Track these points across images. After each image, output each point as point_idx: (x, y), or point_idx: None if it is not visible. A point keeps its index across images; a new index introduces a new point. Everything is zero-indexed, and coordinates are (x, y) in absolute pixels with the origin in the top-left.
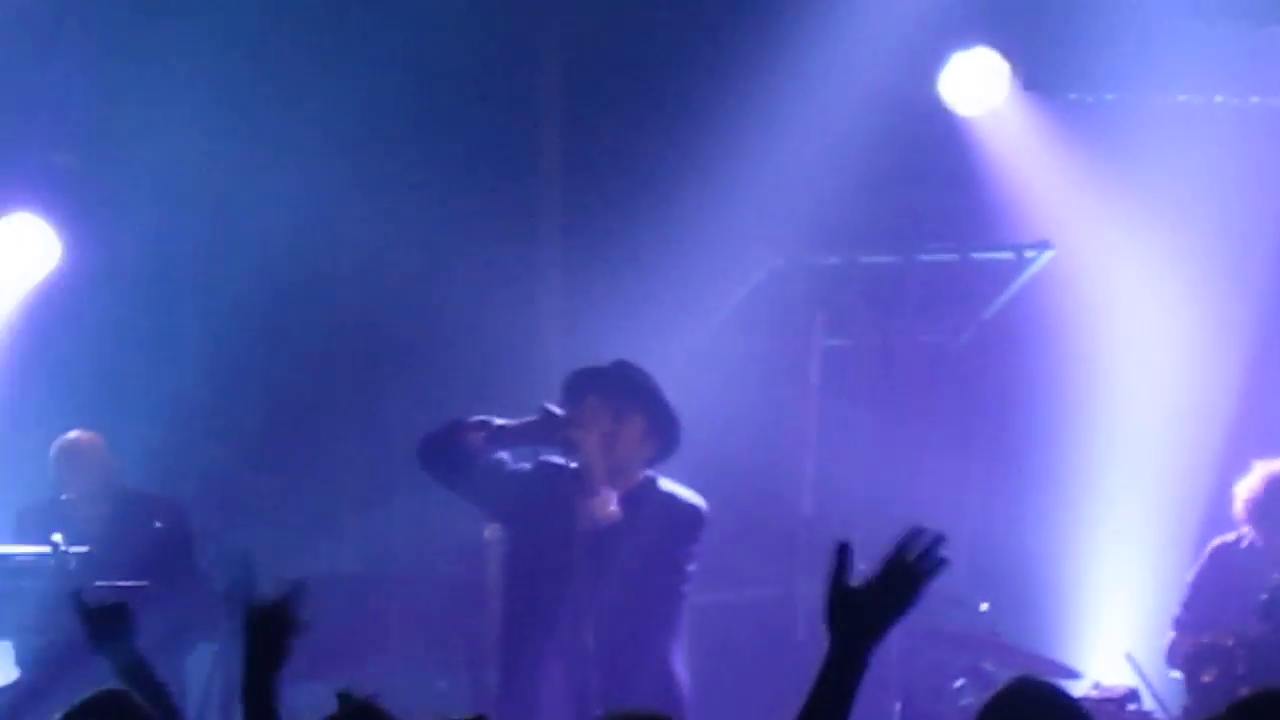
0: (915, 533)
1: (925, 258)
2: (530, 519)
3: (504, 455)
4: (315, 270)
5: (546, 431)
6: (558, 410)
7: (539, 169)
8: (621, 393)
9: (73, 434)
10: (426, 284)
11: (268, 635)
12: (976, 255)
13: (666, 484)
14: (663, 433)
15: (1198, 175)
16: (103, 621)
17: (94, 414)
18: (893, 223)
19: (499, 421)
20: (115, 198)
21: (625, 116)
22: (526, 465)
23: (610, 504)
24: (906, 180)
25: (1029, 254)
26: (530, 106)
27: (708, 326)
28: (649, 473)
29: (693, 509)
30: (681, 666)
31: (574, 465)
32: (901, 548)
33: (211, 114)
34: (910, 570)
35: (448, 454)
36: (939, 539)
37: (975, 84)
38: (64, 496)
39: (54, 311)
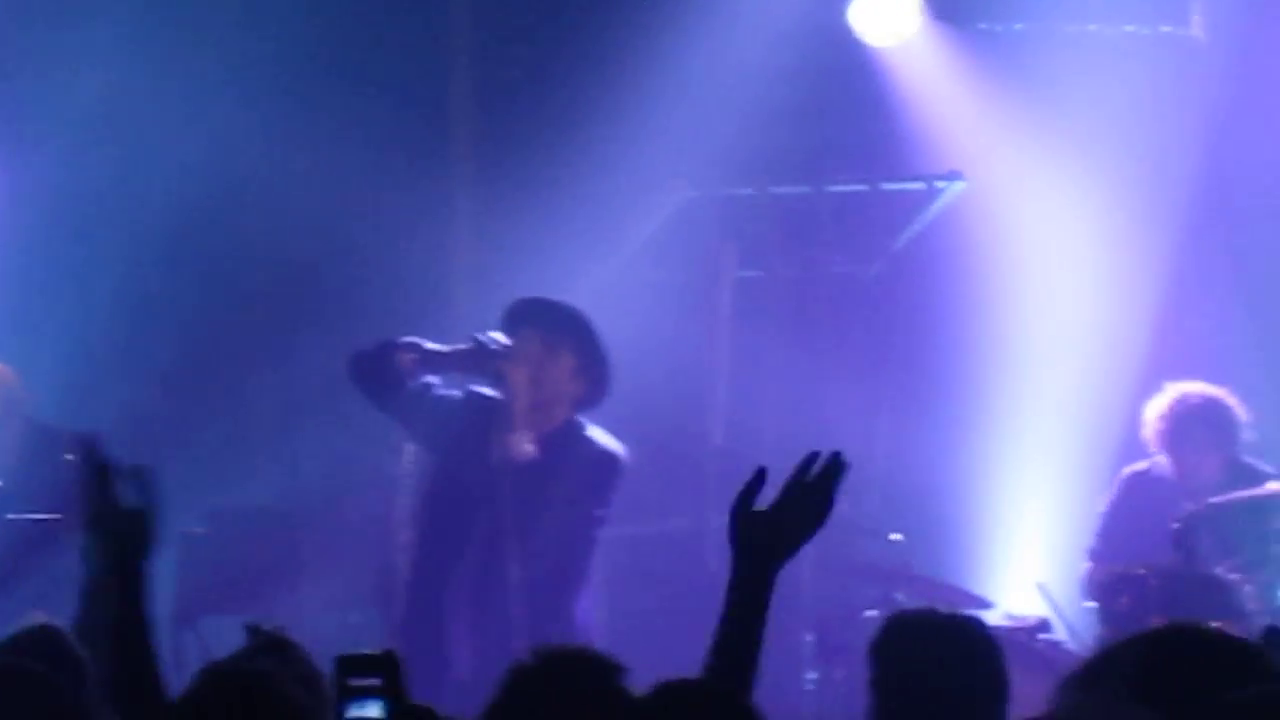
0: (812, 456)
1: (836, 189)
2: (450, 448)
3: (434, 380)
4: (227, 202)
5: (476, 360)
6: (489, 341)
7: (449, 101)
8: (557, 328)
9: None
10: (338, 215)
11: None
12: (887, 186)
13: (593, 430)
14: (592, 375)
15: (1108, 105)
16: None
17: (3, 347)
18: (804, 154)
19: (430, 345)
20: (22, 129)
21: (534, 49)
22: (456, 393)
23: (526, 441)
24: (818, 111)
25: (940, 184)
26: (440, 38)
27: (619, 259)
28: (576, 416)
29: (611, 457)
30: (587, 613)
31: (498, 398)
32: (801, 469)
33: (120, 44)
34: (811, 489)
35: (378, 372)
36: (838, 457)
37: (886, 14)
38: None
39: None
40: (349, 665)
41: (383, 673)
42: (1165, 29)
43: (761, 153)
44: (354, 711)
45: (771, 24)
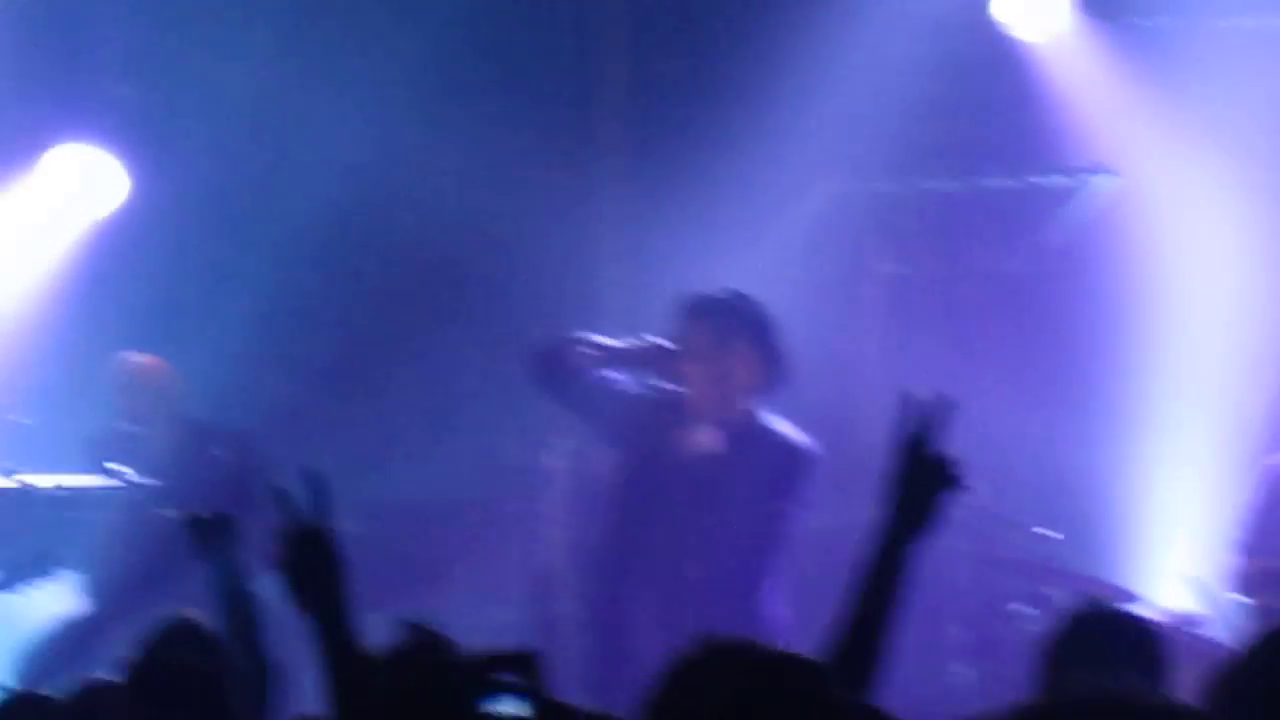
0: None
1: (986, 183)
2: (632, 443)
3: (614, 375)
4: (377, 200)
5: (652, 357)
6: (666, 343)
7: (601, 96)
8: (729, 320)
9: (136, 357)
10: (488, 211)
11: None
12: (1038, 181)
13: (777, 421)
14: (771, 365)
15: (1259, 100)
16: (209, 531)
17: (158, 346)
18: (953, 149)
19: (608, 342)
20: (179, 130)
21: (687, 43)
22: (635, 388)
23: (711, 436)
24: (967, 106)
25: (1091, 180)
26: (592, 32)
27: (769, 253)
28: (755, 406)
29: (805, 451)
30: (779, 606)
31: (679, 393)
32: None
33: (273, 45)
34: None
35: (556, 368)
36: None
37: (1035, 7)
38: (129, 427)
39: (117, 244)
40: (490, 662)
41: (523, 671)
42: None
43: (911, 147)
44: (495, 708)
45: (921, 18)
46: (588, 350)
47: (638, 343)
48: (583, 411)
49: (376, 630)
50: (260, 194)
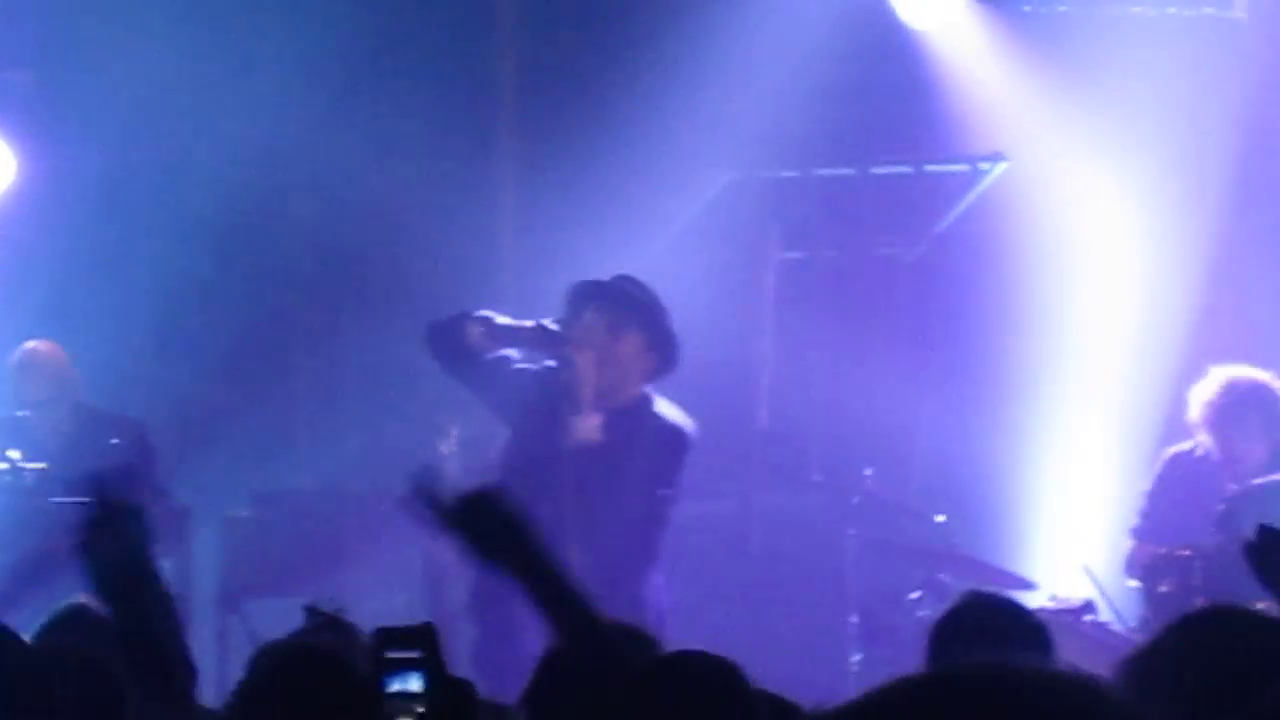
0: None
1: (880, 170)
2: (523, 422)
3: (512, 354)
4: (272, 187)
5: (542, 341)
6: (553, 326)
7: (497, 84)
8: (619, 306)
9: (33, 343)
10: (383, 200)
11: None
12: (931, 167)
13: (662, 404)
14: (661, 349)
15: (1151, 86)
16: (113, 515)
17: (49, 330)
18: (847, 136)
19: (501, 320)
20: (73, 114)
21: (579, 31)
22: (532, 366)
23: (592, 424)
24: (860, 93)
25: (983, 166)
26: (485, 22)
27: (664, 241)
28: (646, 390)
29: (680, 435)
30: (658, 591)
31: (570, 376)
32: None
33: (169, 31)
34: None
35: (451, 341)
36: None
37: None
38: (20, 412)
39: (9, 227)
40: (388, 638)
41: (422, 645)
42: (1208, 10)
43: (805, 135)
44: (395, 685)
45: (814, 6)
46: (484, 328)
47: (530, 325)
48: (477, 386)
49: (271, 617)
50: (158, 180)
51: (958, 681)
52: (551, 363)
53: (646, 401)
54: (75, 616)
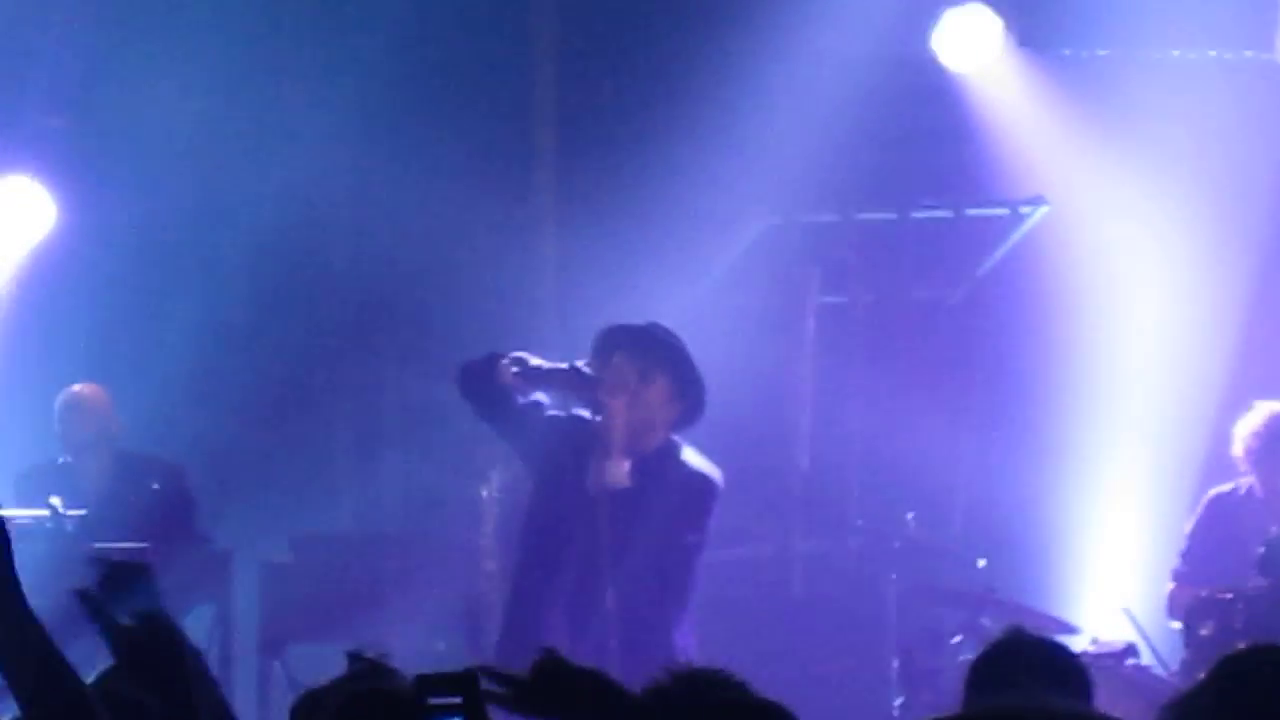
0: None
1: (920, 215)
2: (549, 471)
3: (543, 399)
4: (307, 231)
5: (575, 384)
6: (587, 370)
7: (533, 128)
8: (649, 352)
9: (77, 386)
10: (421, 244)
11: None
12: (971, 212)
13: (688, 453)
14: (688, 396)
15: (1191, 129)
16: (118, 579)
17: (88, 377)
18: (888, 180)
19: (534, 361)
20: (110, 161)
21: (620, 74)
22: (561, 414)
23: (623, 469)
24: (901, 137)
25: (1024, 210)
26: (525, 64)
27: (704, 284)
28: (673, 438)
29: (707, 483)
30: (687, 637)
31: (598, 423)
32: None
33: (204, 78)
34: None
35: (482, 382)
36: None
37: (968, 40)
38: (61, 460)
39: (48, 275)
40: (429, 685)
41: (464, 692)
42: (1248, 53)
43: (845, 179)
44: None
45: (856, 50)
46: (518, 368)
47: (564, 367)
48: (506, 430)
49: (311, 662)
50: (192, 225)
51: None
52: (583, 411)
53: (674, 449)
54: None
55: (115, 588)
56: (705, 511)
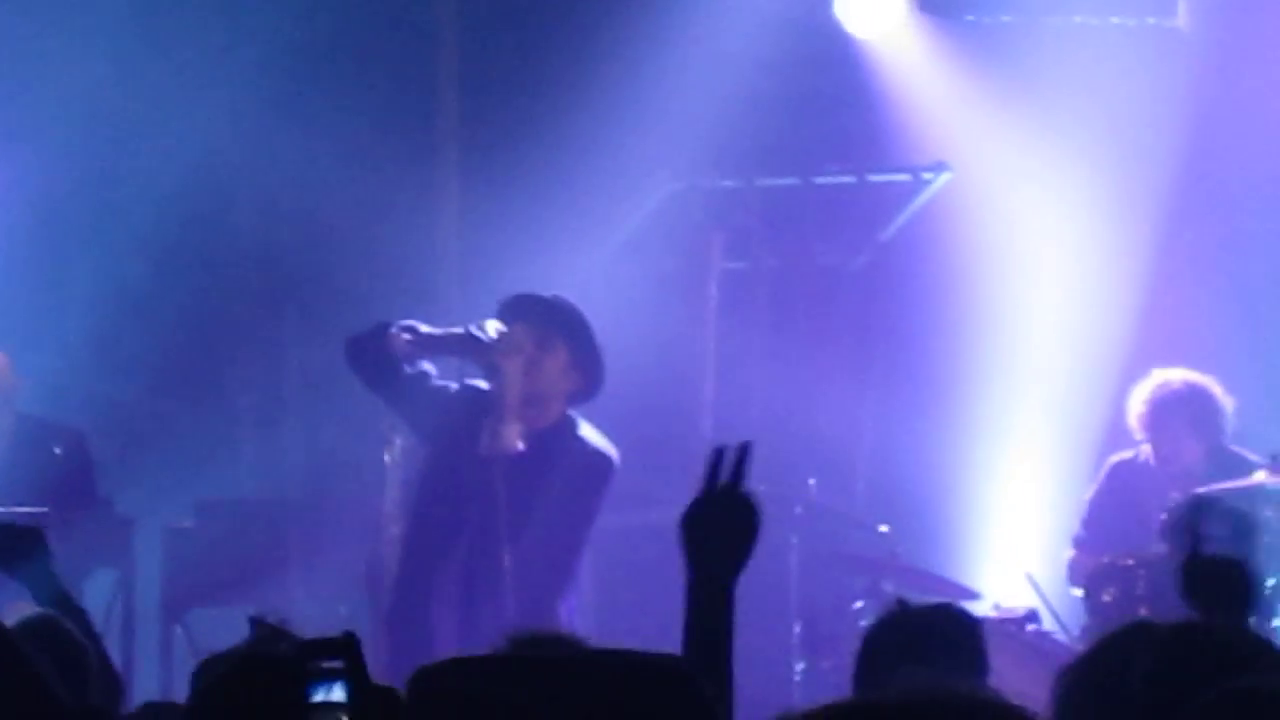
0: (718, 452)
1: (822, 180)
2: (442, 438)
3: (432, 370)
4: (211, 196)
5: (469, 348)
6: (481, 334)
7: (435, 92)
8: (549, 321)
9: None
10: (322, 207)
11: None
12: (874, 177)
13: (585, 428)
14: (586, 369)
15: (1094, 96)
16: (13, 544)
17: None
18: (790, 145)
19: (425, 328)
20: (7, 125)
21: (521, 39)
22: (452, 383)
23: (515, 433)
24: (804, 102)
25: (926, 176)
26: (426, 27)
27: (605, 250)
28: (570, 412)
29: (603, 459)
30: (571, 613)
31: (491, 390)
32: (711, 471)
33: (103, 40)
34: (730, 492)
35: (373, 354)
36: (745, 447)
37: (871, 5)
38: None
39: None
40: (311, 649)
41: (344, 655)
42: (1151, 20)
43: (748, 144)
44: (319, 695)
45: (757, 15)
46: (410, 335)
47: (455, 330)
48: (397, 401)
49: (213, 627)
50: (92, 189)
51: (883, 712)
52: (472, 379)
53: (570, 424)
54: (41, 628)
55: (10, 553)
56: (599, 489)
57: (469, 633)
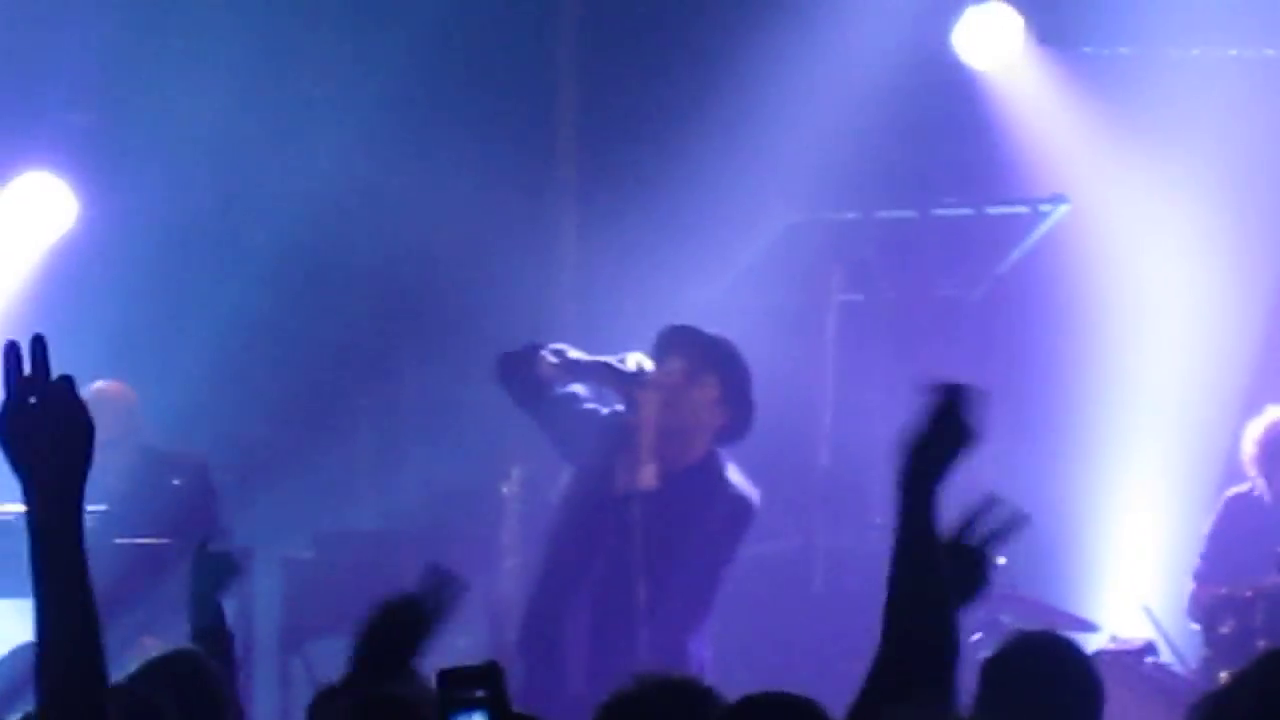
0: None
1: (941, 212)
2: (584, 464)
3: (582, 392)
4: (330, 227)
5: (607, 379)
6: (621, 366)
7: (554, 125)
8: (705, 355)
9: (101, 382)
10: (441, 241)
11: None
12: (992, 210)
13: (732, 471)
14: (736, 408)
15: (1212, 128)
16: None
17: (111, 373)
18: (908, 177)
19: (572, 353)
20: (133, 157)
21: (641, 70)
22: (601, 409)
23: (650, 472)
24: (922, 135)
25: (1044, 208)
26: (546, 61)
27: (726, 282)
28: (718, 451)
29: (747, 507)
30: (700, 648)
31: (630, 421)
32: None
33: (227, 73)
34: (949, 414)
35: (521, 372)
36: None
37: (989, 37)
38: None
39: (71, 271)
40: (452, 678)
41: (486, 684)
42: (1269, 52)
43: (866, 176)
44: None
45: (876, 47)
46: (557, 359)
47: (598, 359)
48: (545, 420)
49: (338, 657)
50: (218, 221)
51: None
52: (620, 407)
53: (718, 464)
54: (184, 664)
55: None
56: (740, 534)
57: (599, 666)
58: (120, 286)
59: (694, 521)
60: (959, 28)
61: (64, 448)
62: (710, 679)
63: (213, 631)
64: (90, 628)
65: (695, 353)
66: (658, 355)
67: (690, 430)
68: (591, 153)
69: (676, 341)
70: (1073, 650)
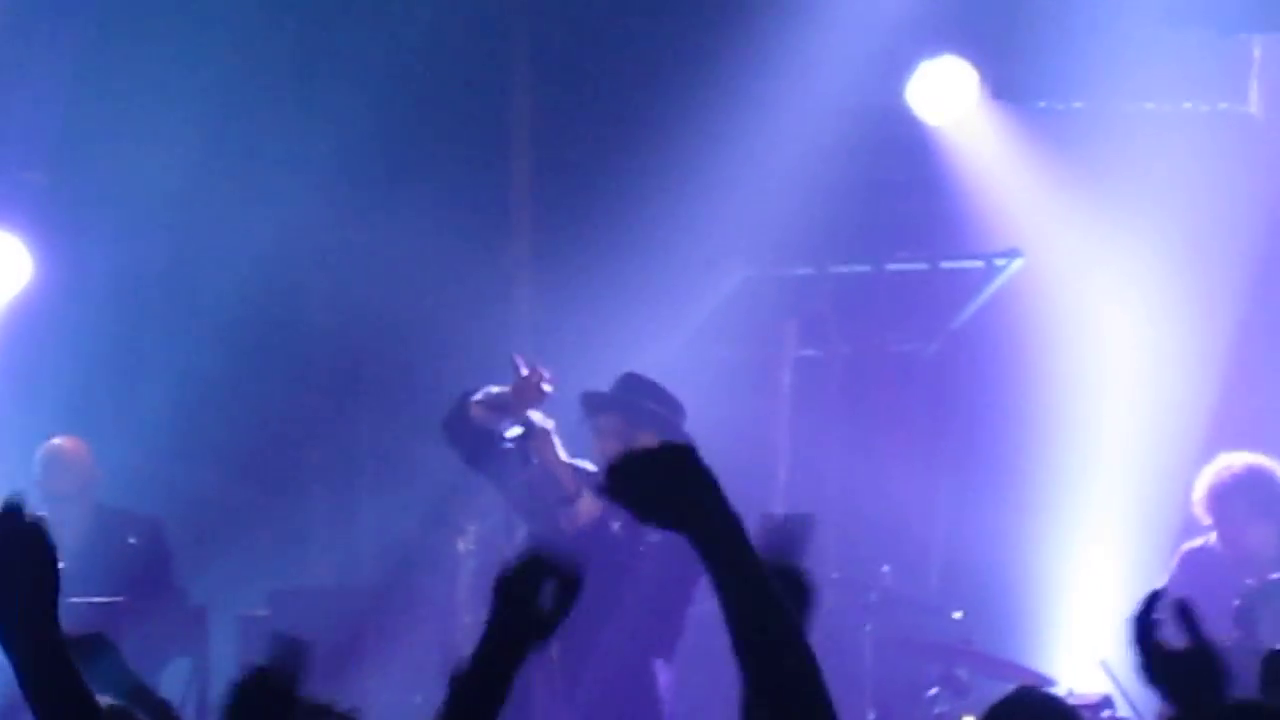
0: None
1: (895, 267)
2: (534, 515)
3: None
4: (285, 286)
5: (503, 404)
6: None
7: (508, 182)
8: (622, 400)
9: (58, 439)
10: (394, 297)
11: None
12: (946, 264)
13: None
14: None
15: (1167, 182)
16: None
17: (64, 431)
18: (863, 232)
19: (495, 389)
20: (87, 216)
21: (594, 128)
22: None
23: (584, 503)
24: (876, 189)
25: (998, 262)
26: (499, 119)
27: (679, 337)
28: None
29: None
30: (669, 688)
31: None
32: None
33: (181, 132)
34: None
35: (459, 427)
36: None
37: (943, 92)
38: (38, 512)
39: (26, 329)
40: None
41: None
42: (1223, 106)
43: (821, 231)
44: None
45: (830, 102)
46: (482, 397)
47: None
48: (491, 475)
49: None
50: (172, 279)
51: None
52: (583, 461)
53: None
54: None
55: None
56: (701, 574)
57: (568, 707)
58: (75, 345)
59: (651, 547)
60: (913, 82)
61: (23, 577)
62: (670, 704)
63: (136, 700)
64: None
65: (616, 403)
66: (591, 417)
67: None
68: (546, 210)
69: (593, 404)
70: (1070, 711)
